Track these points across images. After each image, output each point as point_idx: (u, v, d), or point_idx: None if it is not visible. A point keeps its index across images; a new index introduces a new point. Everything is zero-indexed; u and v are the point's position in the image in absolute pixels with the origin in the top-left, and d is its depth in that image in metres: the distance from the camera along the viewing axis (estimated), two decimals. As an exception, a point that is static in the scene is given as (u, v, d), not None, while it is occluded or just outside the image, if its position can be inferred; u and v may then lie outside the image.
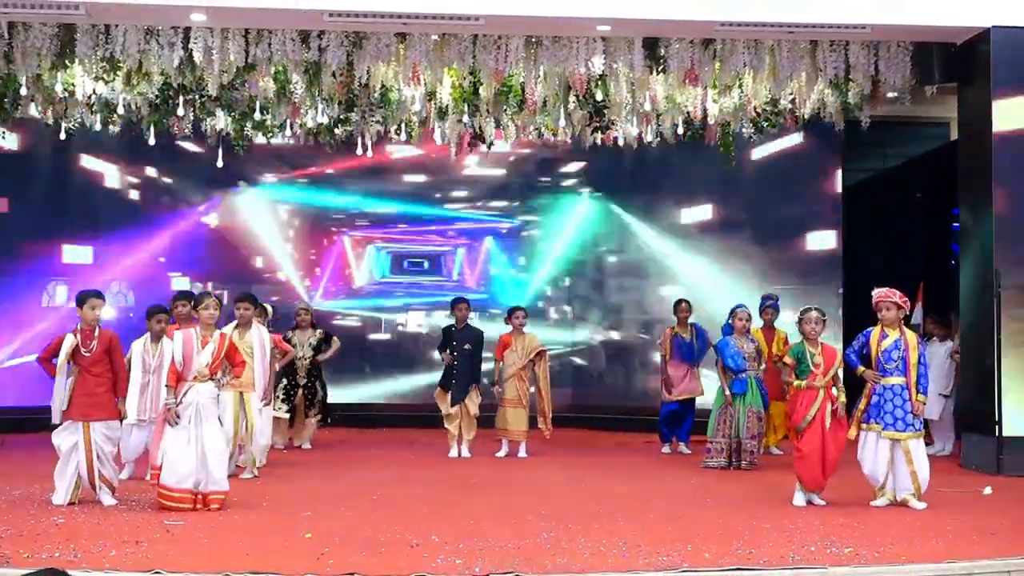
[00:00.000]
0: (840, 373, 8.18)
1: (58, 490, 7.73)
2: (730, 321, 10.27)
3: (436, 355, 11.81)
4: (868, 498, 8.09)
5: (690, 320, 11.55)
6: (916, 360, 7.95)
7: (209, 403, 7.69)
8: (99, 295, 7.95)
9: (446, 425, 11.07)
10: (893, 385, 7.93)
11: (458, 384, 10.95)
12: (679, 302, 11.67)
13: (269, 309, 10.69)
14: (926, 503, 7.90)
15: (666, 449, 11.49)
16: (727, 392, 10.03)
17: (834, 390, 8.04)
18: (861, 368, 8.02)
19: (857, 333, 8.28)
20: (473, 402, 10.97)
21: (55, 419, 7.76)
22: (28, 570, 3.54)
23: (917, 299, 11.35)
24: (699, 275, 13.88)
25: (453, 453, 10.98)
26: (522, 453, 11.05)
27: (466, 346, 10.99)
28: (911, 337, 8.03)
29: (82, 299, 7.88)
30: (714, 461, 10.09)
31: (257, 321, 9.74)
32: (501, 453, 11.08)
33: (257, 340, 9.51)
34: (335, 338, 11.88)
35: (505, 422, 11.00)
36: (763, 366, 10.35)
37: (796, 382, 8.05)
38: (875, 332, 8.04)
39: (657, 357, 12.38)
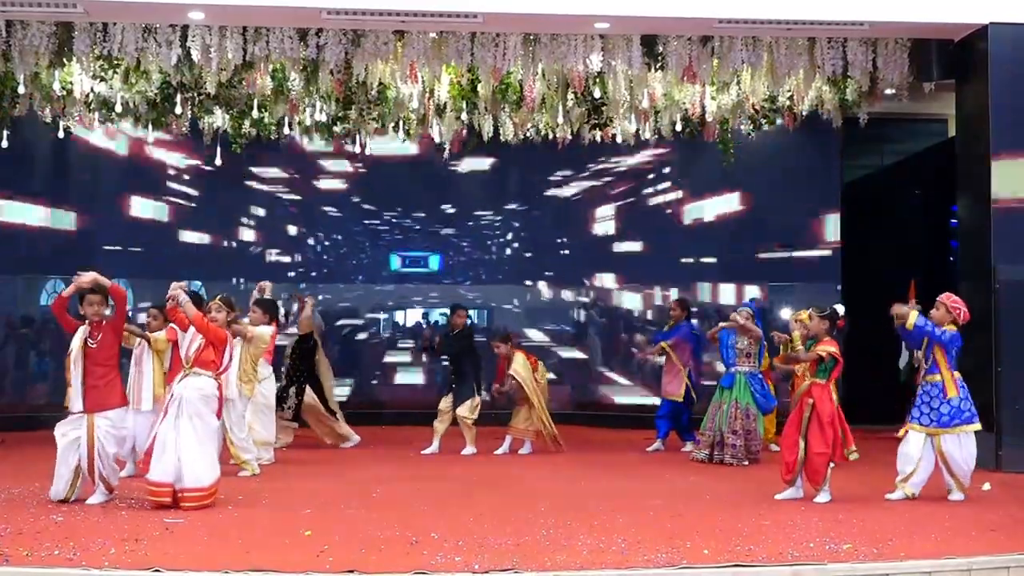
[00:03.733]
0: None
1: (55, 486, 7.71)
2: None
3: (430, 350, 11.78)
4: (868, 495, 8.12)
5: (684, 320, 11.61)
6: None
7: (193, 397, 7.65)
8: (93, 291, 7.83)
9: (435, 423, 11.10)
10: (930, 383, 8.13)
11: (457, 387, 11.04)
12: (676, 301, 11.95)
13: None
14: (963, 495, 8.06)
15: (656, 445, 11.46)
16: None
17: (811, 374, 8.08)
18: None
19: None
20: (466, 408, 10.95)
21: (72, 407, 7.71)
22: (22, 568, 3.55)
23: (909, 297, 11.35)
24: (699, 272, 13.88)
25: (430, 449, 10.97)
26: (524, 450, 11.08)
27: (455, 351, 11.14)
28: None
29: (80, 296, 7.89)
30: (695, 453, 10.37)
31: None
32: (500, 450, 11.10)
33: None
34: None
35: (515, 419, 11.10)
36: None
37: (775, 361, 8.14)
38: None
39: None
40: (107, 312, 7.86)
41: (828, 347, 8.04)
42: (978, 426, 8.17)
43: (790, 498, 8.02)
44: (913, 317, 8.06)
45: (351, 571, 5.65)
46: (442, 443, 11.05)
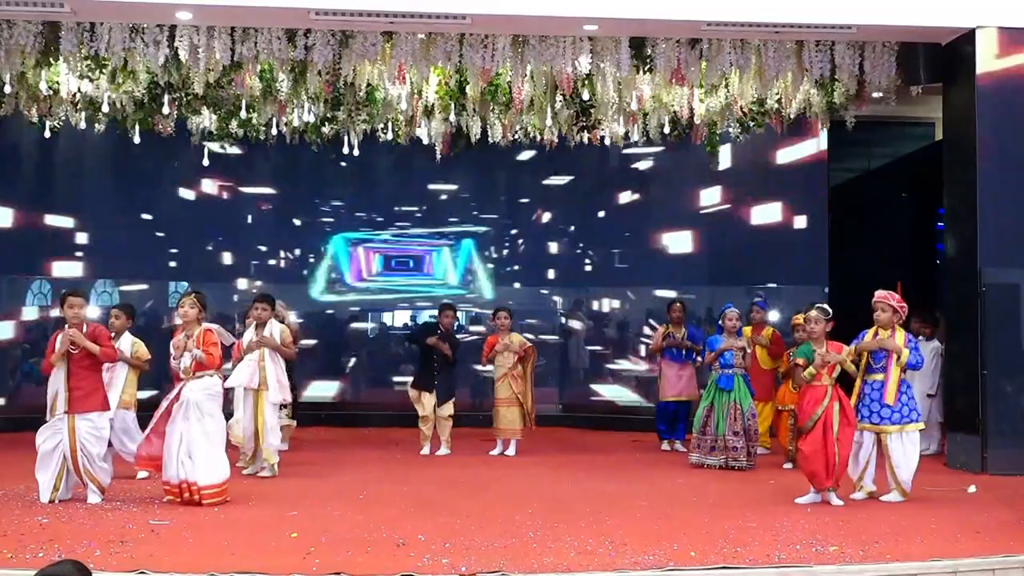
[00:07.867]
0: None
1: (41, 487, 7.76)
2: (720, 322, 10.39)
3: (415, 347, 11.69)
4: (854, 497, 8.15)
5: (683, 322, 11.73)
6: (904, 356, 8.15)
7: (201, 398, 7.83)
8: (75, 293, 8.00)
9: (421, 426, 11.14)
10: (874, 381, 8.21)
11: (442, 384, 11.07)
12: (672, 302, 11.90)
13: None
14: (901, 497, 8.10)
15: (665, 446, 11.58)
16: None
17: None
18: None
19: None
20: (449, 407, 11.09)
21: (49, 415, 7.78)
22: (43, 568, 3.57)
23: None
24: (687, 276, 13.90)
25: (425, 451, 11.05)
26: (510, 451, 11.07)
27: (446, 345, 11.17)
28: (900, 338, 8.20)
29: (61, 299, 8.05)
30: (695, 456, 10.19)
31: (274, 319, 9.75)
32: (496, 451, 11.12)
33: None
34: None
35: (499, 421, 11.10)
36: (747, 364, 10.44)
37: (808, 371, 8.08)
38: (870, 332, 8.30)
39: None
40: (86, 315, 7.97)
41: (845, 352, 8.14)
42: (922, 425, 8.35)
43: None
44: (905, 355, 8.11)
45: (338, 573, 5.63)
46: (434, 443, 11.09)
